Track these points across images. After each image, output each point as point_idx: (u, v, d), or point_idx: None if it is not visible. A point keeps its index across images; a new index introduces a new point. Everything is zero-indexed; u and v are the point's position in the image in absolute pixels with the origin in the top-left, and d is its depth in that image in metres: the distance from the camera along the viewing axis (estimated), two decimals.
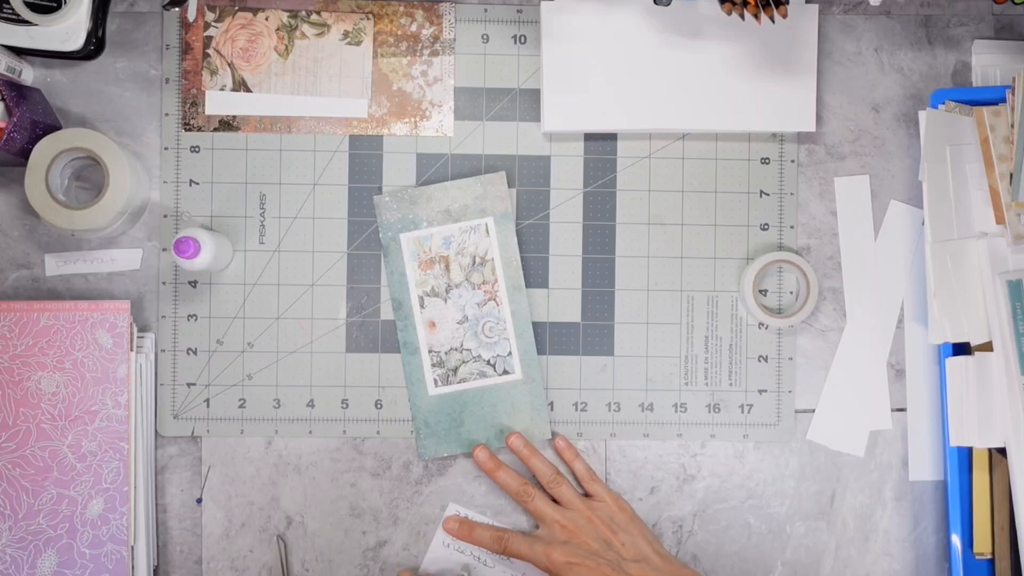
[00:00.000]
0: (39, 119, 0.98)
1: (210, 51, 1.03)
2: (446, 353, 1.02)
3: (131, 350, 0.99)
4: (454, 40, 1.03)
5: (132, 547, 0.98)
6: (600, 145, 1.04)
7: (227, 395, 1.02)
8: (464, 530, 1.01)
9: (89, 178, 1.01)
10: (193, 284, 1.02)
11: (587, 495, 1.01)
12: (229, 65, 1.03)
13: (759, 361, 1.04)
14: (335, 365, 1.03)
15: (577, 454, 1.02)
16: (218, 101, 1.03)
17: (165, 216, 1.02)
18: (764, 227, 1.04)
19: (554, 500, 1.00)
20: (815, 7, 1.02)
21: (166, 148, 1.03)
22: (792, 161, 1.04)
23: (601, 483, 1.01)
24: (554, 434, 1.03)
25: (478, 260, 1.02)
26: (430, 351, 1.02)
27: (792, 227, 1.04)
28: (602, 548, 0.96)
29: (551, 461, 1.02)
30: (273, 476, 1.02)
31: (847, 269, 1.04)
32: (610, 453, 1.03)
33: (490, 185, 1.02)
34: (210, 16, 1.03)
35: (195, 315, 1.02)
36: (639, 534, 0.99)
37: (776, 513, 1.04)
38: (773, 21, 0.96)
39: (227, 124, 1.03)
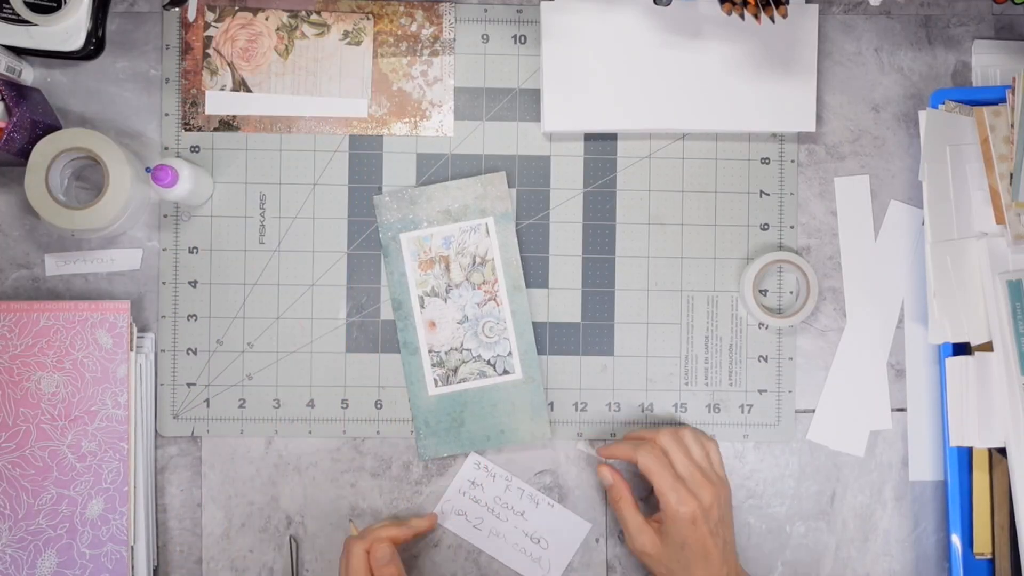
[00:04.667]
0: (39, 119, 0.98)
1: (210, 51, 1.03)
2: (446, 353, 1.02)
3: (131, 350, 0.99)
4: (454, 40, 1.03)
5: (132, 547, 0.98)
6: (600, 145, 1.04)
7: (227, 395, 1.02)
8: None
9: (89, 178, 1.01)
10: (193, 284, 1.02)
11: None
12: (229, 65, 1.03)
13: (759, 361, 1.04)
14: (335, 365, 1.03)
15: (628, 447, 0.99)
16: (218, 101, 1.03)
17: (165, 216, 1.03)
18: (764, 227, 1.04)
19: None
20: (815, 7, 1.02)
21: (166, 148, 1.03)
22: (792, 161, 1.04)
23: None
24: (597, 451, 1.01)
25: (478, 260, 1.02)
26: (430, 351, 1.02)
27: (792, 227, 1.04)
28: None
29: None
30: (273, 476, 1.02)
31: (847, 269, 1.04)
32: None
33: (490, 185, 1.02)
34: (210, 16, 1.03)
35: (195, 315, 1.02)
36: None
37: (776, 513, 1.04)
38: (773, 21, 0.96)
39: (227, 124, 1.03)
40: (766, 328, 1.04)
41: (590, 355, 1.03)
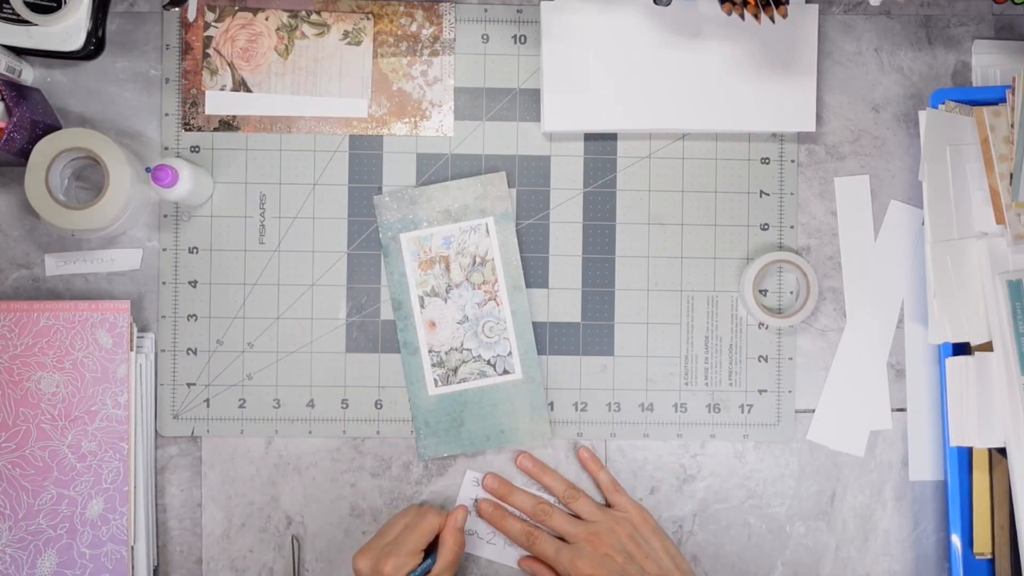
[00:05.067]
0: (39, 119, 0.98)
1: (210, 51, 1.03)
2: (446, 353, 1.02)
3: (131, 350, 0.99)
4: (454, 40, 1.03)
5: (132, 547, 0.98)
6: (600, 145, 1.04)
7: (227, 395, 1.02)
8: (496, 515, 1.00)
9: (89, 178, 1.01)
10: (193, 284, 1.02)
11: (608, 505, 1.01)
12: (229, 65, 1.03)
13: (759, 361, 1.04)
14: (335, 365, 1.03)
15: (602, 465, 1.02)
16: (218, 101, 1.03)
17: (165, 216, 1.03)
18: (764, 227, 1.04)
19: (574, 515, 1.00)
20: (815, 7, 1.02)
21: (166, 148, 1.03)
22: (792, 161, 1.04)
23: (624, 494, 1.01)
24: (578, 444, 1.03)
25: (478, 260, 1.02)
26: (430, 351, 1.02)
27: (792, 227, 1.04)
28: (626, 562, 0.95)
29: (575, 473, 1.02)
30: (273, 476, 1.02)
31: (847, 269, 1.04)
32: (610, 453, 1.03)
33: (490, 185, 1.02)
34: (210, 16, 1.03)
35: (195, 315, 1.02)
36: (662, 548, 0.98)
37: (776, 513, 1.04)
38: (773, 21, 0.96)
39: (227, 124, 1.03)
40: (766, 328, 1.04)
41: (590, 355, 1.03)
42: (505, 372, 1.02)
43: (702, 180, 1.04)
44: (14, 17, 0.97)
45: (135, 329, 1.00)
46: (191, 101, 1.03)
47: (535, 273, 1.03)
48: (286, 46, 1.03)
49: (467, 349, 1.02)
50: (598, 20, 1.01)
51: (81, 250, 1.02)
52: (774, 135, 1.04)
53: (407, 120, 1.03)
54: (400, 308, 1.02)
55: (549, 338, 1.03)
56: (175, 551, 1.02)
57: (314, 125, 1.03)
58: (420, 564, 0.94)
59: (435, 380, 1.02)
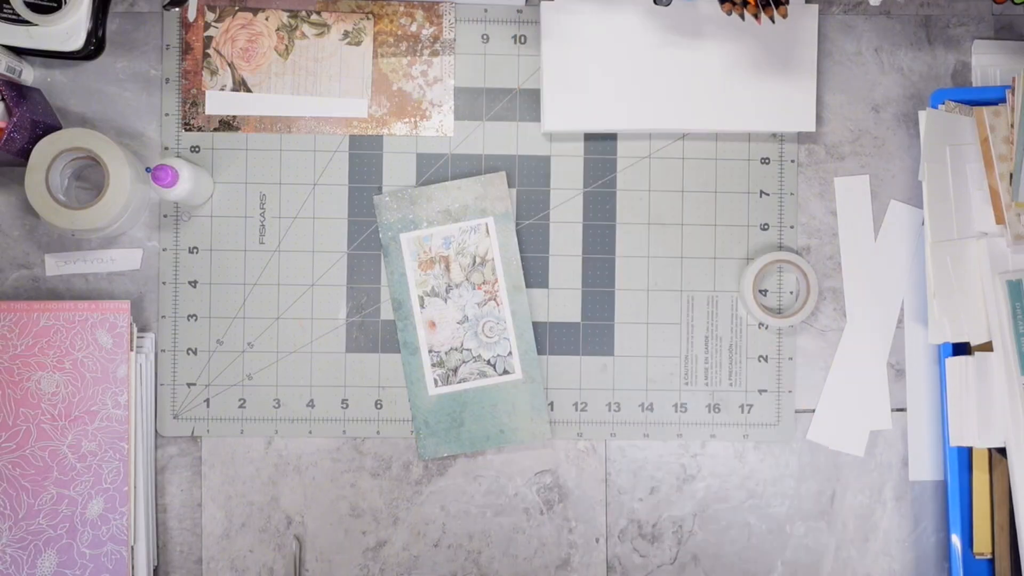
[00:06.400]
0: (39, 119, 0.98)
1: (210, 51, 1.03)
2: (446, 353, 1.02)
3: (131, 350, 0.99)
4: (454, 40, 1.03)
5: (132, 547, 0.98)
6: (600, 145, 1.04)
7: (227, 395, 1.02)
8: None
9: (89, 178, 1.01)
10: (193, 284, 1.02)
11: None
12: (229, 65, 1.03)
13: (759, 361, 1.04)
14: (335, 365, 1.03)
15: None
16: (218, 101, 1.03)
17: (165, 216, 1.03)
18: (764, 227, 1.04)
19: None
20: (815, 7, 1.02)
21: (166, 148, 1.03)
22: (792, 161, 1.04)
23: None
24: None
25: (478, 260, 1.02)
26: (430, 351, 1.02)
27: (792, 227, 1.04)
28: None
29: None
30: (273, 476, 1.02)
31: (847, 269, 1.04)
32: (610, 453, 1.03)
33: (490, 185, 1.02)
34: (210, 16, 1.03)
35: (195, 315, 1.02)
36: None
37: (776, 513, 1.04)
38: (773, 21, 0.96)
39: (227, 124, 1.03)
40: (766, 328, 1.04)
41: (590, 355, 1.03)
42: (505, 372, 1.02)
43: (702, 180, 1.04)
44: (14, 17, 0.97)
45: (135, 329, 1.00)
46: (191, 101, 1.03)
47: (535, 273, 1.03)
48: (286, 46, 1.03)
49: (467, 349, 1.02)
50: (598, 20, 1.01)
51: (81, 250, 1.02)
52: (774, 135, 1.04)
53: (407, 120, 1.03)
54: (400, 308, 1.02)
55: (549, 338, 1.03)
56: (175, 551, 1.02)
57: (314, 125, 1.03)
58: None
59: (435, 380, 1.02)
